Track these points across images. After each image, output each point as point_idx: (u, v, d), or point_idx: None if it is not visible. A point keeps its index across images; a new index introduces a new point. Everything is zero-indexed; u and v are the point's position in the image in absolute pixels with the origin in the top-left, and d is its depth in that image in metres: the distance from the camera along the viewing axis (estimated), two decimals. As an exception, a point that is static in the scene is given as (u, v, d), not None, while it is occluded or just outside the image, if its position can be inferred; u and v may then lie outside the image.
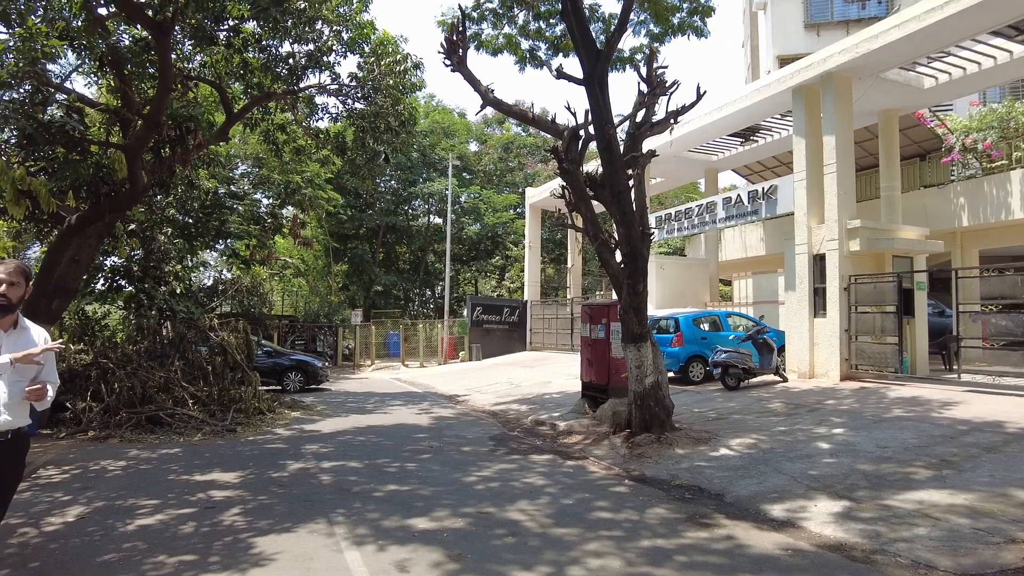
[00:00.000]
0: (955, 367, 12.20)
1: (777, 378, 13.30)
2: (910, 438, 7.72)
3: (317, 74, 13.49)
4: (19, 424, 3.46)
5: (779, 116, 17.33)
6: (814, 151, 13.97)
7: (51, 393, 3.54)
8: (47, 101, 11.55)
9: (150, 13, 10.45)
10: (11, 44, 10.05)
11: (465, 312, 29.36)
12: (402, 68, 13.68)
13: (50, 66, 11.66)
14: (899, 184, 16.15)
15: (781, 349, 14.06)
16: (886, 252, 13.58)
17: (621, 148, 9.27)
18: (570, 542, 4.93)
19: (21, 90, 10.86)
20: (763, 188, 16.83)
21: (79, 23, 10.30)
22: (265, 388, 14.43)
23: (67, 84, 12.92)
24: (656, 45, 11.24)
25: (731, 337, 14.20)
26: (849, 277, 13.06)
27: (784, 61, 20.19)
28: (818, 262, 13.66)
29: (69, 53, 11.54)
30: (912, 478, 6.22)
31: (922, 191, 18.41)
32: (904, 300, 12.46)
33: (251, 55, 12.81)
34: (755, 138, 20.02)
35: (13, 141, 11.71)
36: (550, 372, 18.49)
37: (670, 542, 4.92)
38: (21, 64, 9.82)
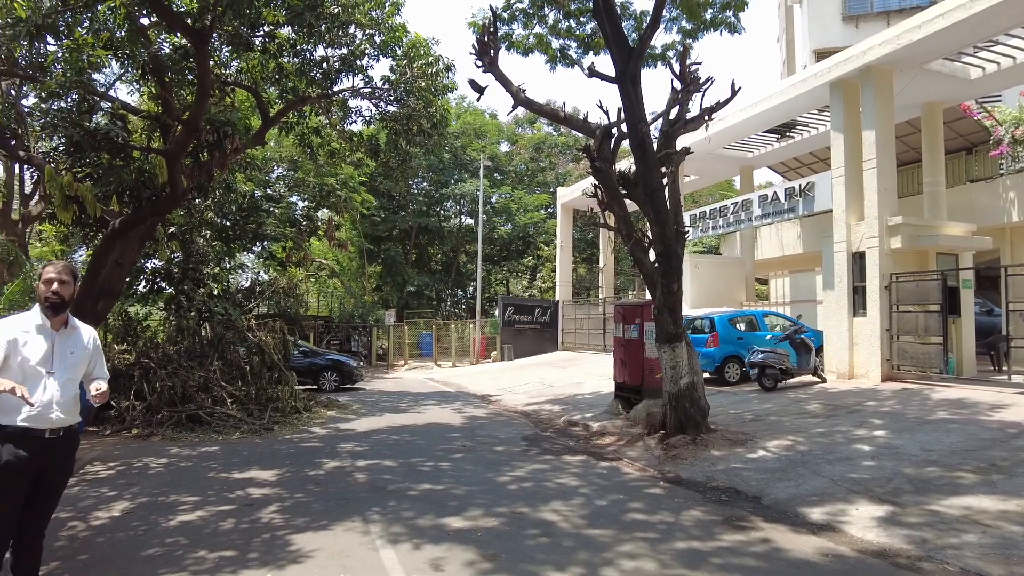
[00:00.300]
0: (1005, 368, 11.77)
1: (815, 379, 13.01)
2: (957, 441, 7.46)
3: (350, 78, 13.66)
4: (71, 421, 3.57)
5: (816, 111, 16.95)
6: (853, 147, 13.62)
7: (105, 388, 3.66)
8: (93, 109, 11.94)
9: (189, 21, 10.72)
10: (60, 55, 10.42)
11: (497, 312, 29.41)
12: (434, 70, 13.76)
13: (95, 75, 12.06)
14: (943, 179, 15.63)
15: (819, 349, 13.75)
16: (929, 249, 13.17)
17: (655, 146, 9.18)
18: (604, 543, 4.89)
19: (69, 99, 11.24)
20: (800, 185, 16.48)
21: (123, 33, 10.61)
22: (301, 387, 14.68)
23: (111, 92, 13.35)
24: (689, 41, 11.10)
25: (768, 337, 13.94)
26: (890, 275, 12.70)
27: (821, 55, 19.71)
28: (857, 260, 13.31)
29: (113, 62, 11.90)
30: (959, 483, 6.01)
31: (968, 186, 17.81)
32: (949, 299, 12.05)
33: (286, 60, 13.03)
34: (791, 134, 19.63)
35: (61, 148, 12.12)
36: (582, 372, 18.40)
37: (706, 544, 4.84)
38: (69, 74, 10.17)
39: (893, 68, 13.25)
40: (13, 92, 13.72)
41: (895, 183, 13.57)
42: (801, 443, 8.00)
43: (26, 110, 12.85)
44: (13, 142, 12.90)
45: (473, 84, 10.26)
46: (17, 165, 18.25)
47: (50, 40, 10.31)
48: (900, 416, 9.12)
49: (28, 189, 20.00)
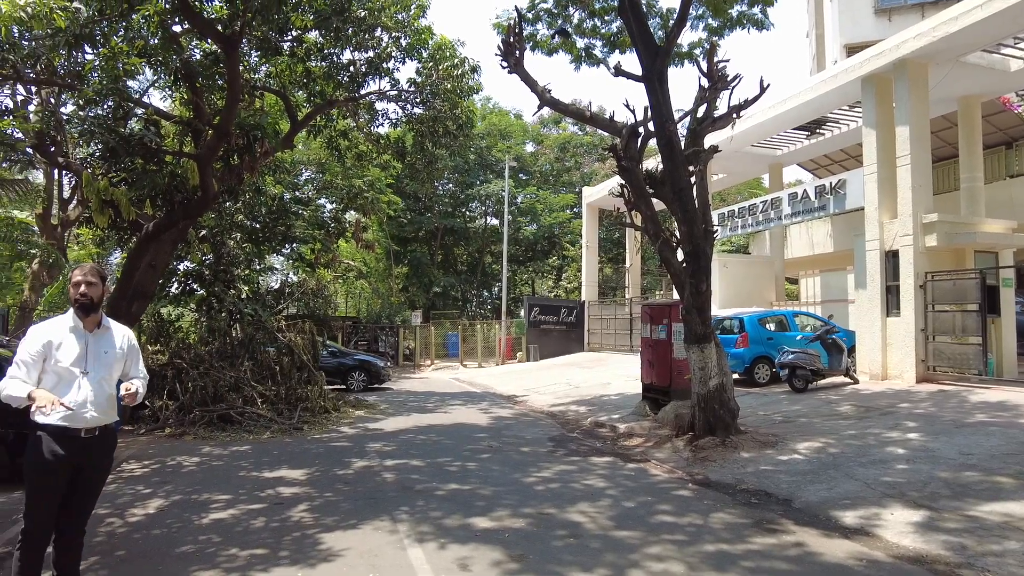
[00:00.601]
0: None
1: (847, 380, 12.75)
2: (997, 445, 7.24)
3: (377, 81, 13.80)
4: (107, 420, 3.65)
5: (847, 107, 16.61)
6: (885, 143, 13.31)
7: (142, 389, 3.72)
8: (128, 115, 12.22)
9: (220, 28, 10.92)
10: (96, 64, 10.70)
11: (522, 313, 29.40)
12: (459, 72, 13.83)
13: (130, 82, 12.34)
14: (982, 175, 15.18)
15: (851, 350, 13.48)
16: (967, 247, 12.81)
17: (682, 144, 9.09)
18: (632, 545, 4.85)
19: (105, 106, 11.52)
20: (831, 183, 16.17)
21: (156, 41, 10.85)
22: (330, 387, 14.85)
23: (145, 99, 13.65)
24: (715, 39, 10.98)
25: (798, 337, 13.71)
26: (925, 274, 12.38)
27: (852, 50, 19.30)
28: (890, 259, 13.01)
29: (147, 69, 12.17)
30: (1000, 488, 5.83)
31: (1008, 181, 17.30)
32: (988, 298, 11.71)
33: (314, 64, 13.20)
34: (821, 131, 19.27)
35: (98, 154, 12.43)
36: (609, 373, 18.30)
37: (735, 548, 4.78)
38: (105, 82, 10.43)
39: (928, 61, 12.93)
40: (53, 100, 14.13)
41: (930, 179, 13.22)
42: (833, 445, 7.85)
43: (64, 118, 13.21)
44: (52, 149, 13.28)
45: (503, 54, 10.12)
46: (56, 171, 18.77)
47: (87, 49, 10.59)
48: (936, 418, 8.89)
49: (67, 194, 20.57)
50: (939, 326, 12.29)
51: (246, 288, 15.79)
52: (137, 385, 3.68)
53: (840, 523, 5.33)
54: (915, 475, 6.38)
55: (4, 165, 15.27)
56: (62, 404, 3.41)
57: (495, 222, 39.26)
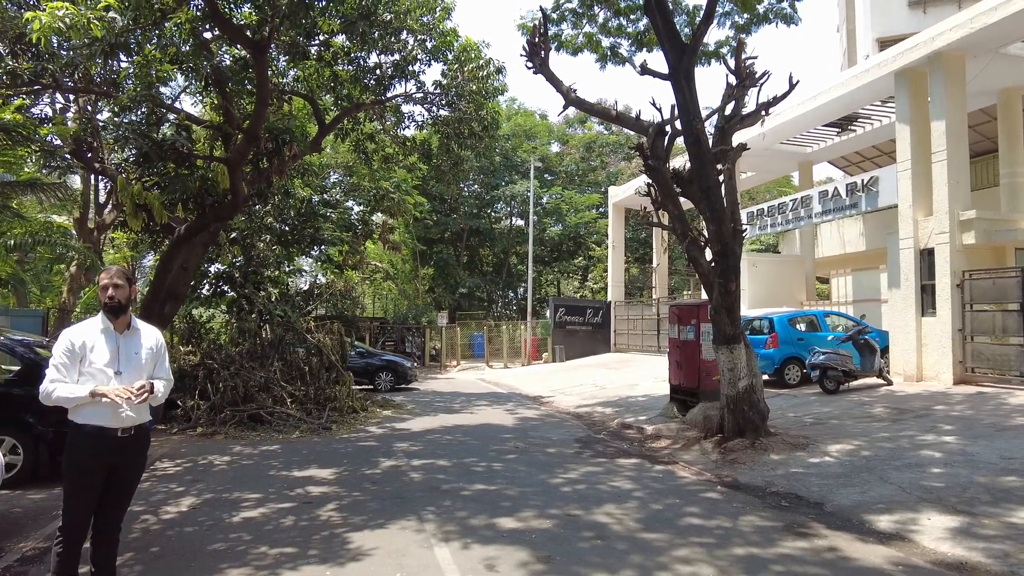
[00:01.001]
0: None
1: (880, 381, 12.46)
2: (1039, 448, 7.02)
3: (403, 83, 13.91)
4: (141, 420, 3.73)
5: (880, 103, 16.27)
6: (920, 138, 12.99)
7: (162, 389, 3.78)
8: (160, 121, 12.51)
9: (249, 34, 11.11)
10: (131, 71, 10.97)
11: (548, 313, 29.35)
12: (484, 73, 13.86)
13: (162, 89, 12.63)
14: (1023, 170, 14.74)
15: (884, 350, 13.17)
16: (1007, 244, 12.44)
17: (710, 142, 8.98)
18: (659, 547, 4.80)
19: (139, 113, 11.81)
20: (863, 180, 15.85)
21: (187, 48, 11.09)
22: (358, 387, 14.98)
23: (177, 104, 13.95)
24: (742, 36, 10.83)
25: (830, 338, 13.44)
26: (963, 273, 12.04)
27: (885, 44, 18.86)
28: (925, 257, 12.68)
29: (178, 76, 12.44)
30: (1043, 492, 5.64)
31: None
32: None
33: (340, 68, 13.36)
34: (852, 127, 18.89)
35: (132, 159, 12.73)
36: (636, 374, 18.16)
37: (766, 551, 4.69)
38: (139, 89, 10.70)
39: (965, 54, 12.58)
40: (89, 108, 14.52)
41: (967, 176, 12.86)
42: (866, 448, 7.67)
43: (100, 124, 13.56)
44: (89, 154, 13.65)
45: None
46: (93, 176, 19.29)
47: (122, 57, 10.87)
48: (974, 421, 8.64)
49: (102, 199, 21.12)
50: (977, 326, 11.94)
51: (276, 290, 16.02)
52: (159, 385, 3.74)
53: (875, 528, 5.20)
54: (953, 479, 6.21)
55: (44, 171, 15.72)
56: (129, 390, 3.49)
57: (520, 223, 39.26)
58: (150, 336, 3.86)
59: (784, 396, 12.19)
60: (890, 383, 12.42)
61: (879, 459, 7.16)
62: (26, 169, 15.32)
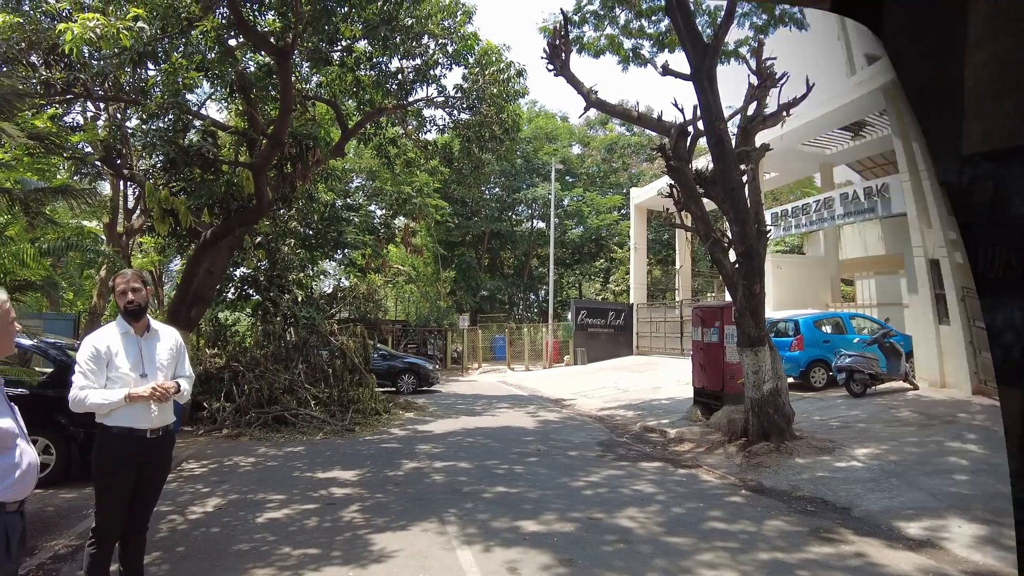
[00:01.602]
0: None
1: (907, 385, 12.21)
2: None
3: (425, 88, 14.00)
4: (167, 421, 3.80)
5: (879, 112, 15.96)
6: (911, 154, 12.52)
7: (187, 387, 3.85)
8: (187, 127, 12.73)
9: (273, 40, 11.27)
10: (158, 79, 11.19)
11: (569, 316, 29.25)
12: (505, 76, 13.90)
13: (189, 96, 12.86)
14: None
15: (909, 354, 12.89)
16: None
17: (732, 143, 8.90)
18: (682, 551, 4.76)
19: (166, 119, 12.03)
20: (876, 185, 15.58)
21: (213, 55, 11.28)
22: (381, 390, 15.07)
23: (203, 111, 14.21)
24: (761, 36, 10.80)
25: (855, 340, 13.20)
26: (963, 288, 11.63)
27: (872, 58, 18.58)
28: (934, 267, 12.32)
29: (204, 83, 12.66)
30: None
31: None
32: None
33: (363, 73, 13.48)
34: (863, 133, 18.57)
35: (159, 165, 12.98)
36: (658, 377, 18.03)
37: (791, 556, 4.63)
38: (166, 96, 10.90)
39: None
40: (119, 115, 14.83)
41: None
42: (893, 453, 7.53)
43: (129, 131, 13.84)
44: (119, 161, 13.93)
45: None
46: (122, 182, 19.68)
47: (150, 65, 11.08)
48: (991, 433, 8.41)
49: (131, 204, 21.53)
50: (982, 341, 11.50)
51: (300, 293, 16.21)
52: (184, 383, 3.81)
53: (904, 534, 5.10)
54: (981, 487, 6.07)
55: (75, 177, 16.09)
56: (161, 386, 3.58)
57: (541, 225, 39.22)
58: (169, 336, 3.93)
59: (810, 399, 12.01)
60: (916, 387, 12.15)
61: (907, 465, 7.02)
62: (58, 176, 15.69)
